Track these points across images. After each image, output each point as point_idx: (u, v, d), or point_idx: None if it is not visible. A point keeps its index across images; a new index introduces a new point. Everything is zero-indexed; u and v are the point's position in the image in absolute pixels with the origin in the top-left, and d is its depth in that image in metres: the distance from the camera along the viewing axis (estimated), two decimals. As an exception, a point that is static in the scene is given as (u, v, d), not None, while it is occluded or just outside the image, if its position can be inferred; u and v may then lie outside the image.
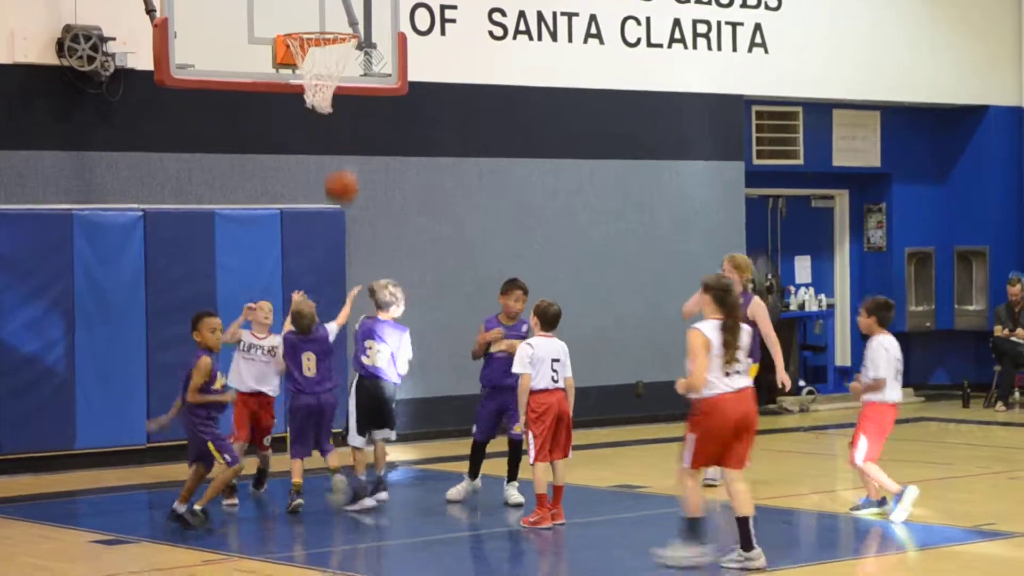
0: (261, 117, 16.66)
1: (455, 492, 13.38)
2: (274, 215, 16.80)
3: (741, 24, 19.97)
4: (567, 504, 12.31)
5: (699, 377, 10.34)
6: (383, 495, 13.14)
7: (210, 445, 12.15)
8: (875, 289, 21.20)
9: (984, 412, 20.24)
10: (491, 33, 18.34)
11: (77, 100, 15.85)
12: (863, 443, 12.47)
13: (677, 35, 19.56)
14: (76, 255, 15.72)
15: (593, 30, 18.99)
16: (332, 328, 13.24)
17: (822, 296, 21.63)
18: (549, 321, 12.27)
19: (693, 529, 10.52)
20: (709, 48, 19.77)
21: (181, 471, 12.98)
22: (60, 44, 15.60)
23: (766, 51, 20.16)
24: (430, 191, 17.95)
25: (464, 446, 16.62)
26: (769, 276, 20.80)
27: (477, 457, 13.36)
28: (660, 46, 19.45)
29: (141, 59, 15.41)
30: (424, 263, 17.80)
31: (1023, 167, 22.08)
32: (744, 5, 19.97)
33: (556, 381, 12.16)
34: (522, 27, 18.52)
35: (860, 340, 13.06)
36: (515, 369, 12.21)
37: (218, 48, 14.00)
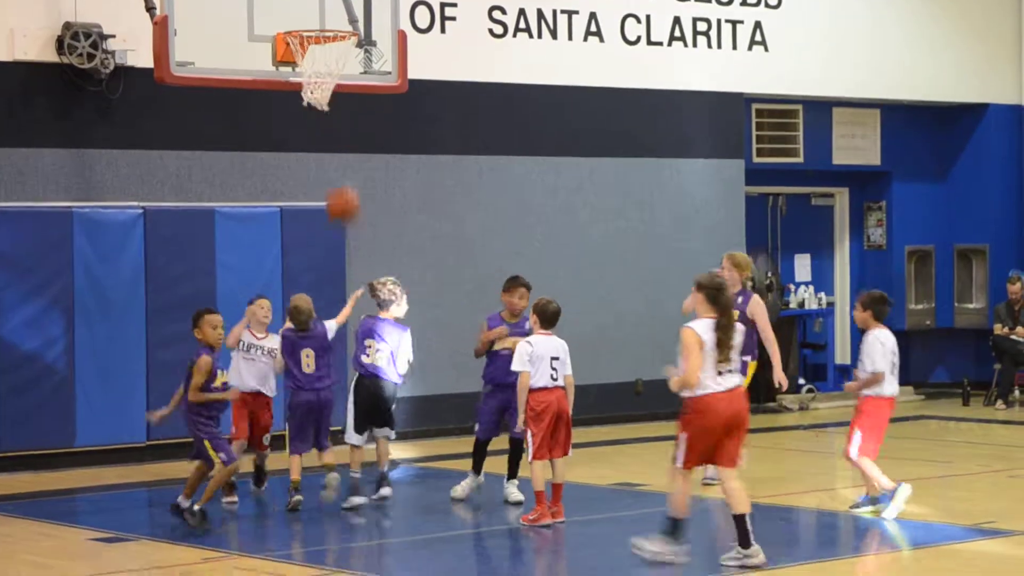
0: (261, 115, 16.66)
1: (460, 490, 13.36)
2: (274, 213, 16.80)
3: (741, 22, 19.97)
4: (567, 502, 12.31)
5: (693, 375, 10.36)
6: (386, 491, 13.10)
7: (206, 443, 12.14)
8: (875, 287, 21.21)
9: (984, 410, 20.24)
10: (491, 31, 18.34)
11: (77, 98, 15.85)
12: (857, 437, 12.48)
13: (677, 33, 19.56)
14: (76, 253, 15.72)
15: (593, 28, 18.99)
16: (331, 325, 13.24)
17: (822, 294, 21.63)
18: (548, 319, 12.27)
19: (675, 528, 10.55)
20: (709, 46, 19.76)
21: (181, 468, 13.00)
22: (60, 42, 15.60)
23: (766, 49, 20.16)
24: (430, 189, 17.95)
25: (464, 444, 16.63)
26: (769, 274, 20.80)
27: (480, 455, 13.34)
28: (660, 44, 19.45)
29: (141, 57, 15.41)
30: (424, 261, 17.80)
31: (1023, 165, 22.08)
32: (744, 3, 19.97)
33: (555, 379, 12.15)
34: (522, 25, 18.52)
35: (860, 338, 13.04)
36: (514, 367, 12.20)
37: (218, 46, 14.00)
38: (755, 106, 20.50)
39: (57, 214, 15.69)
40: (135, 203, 16.14)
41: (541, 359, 12.11)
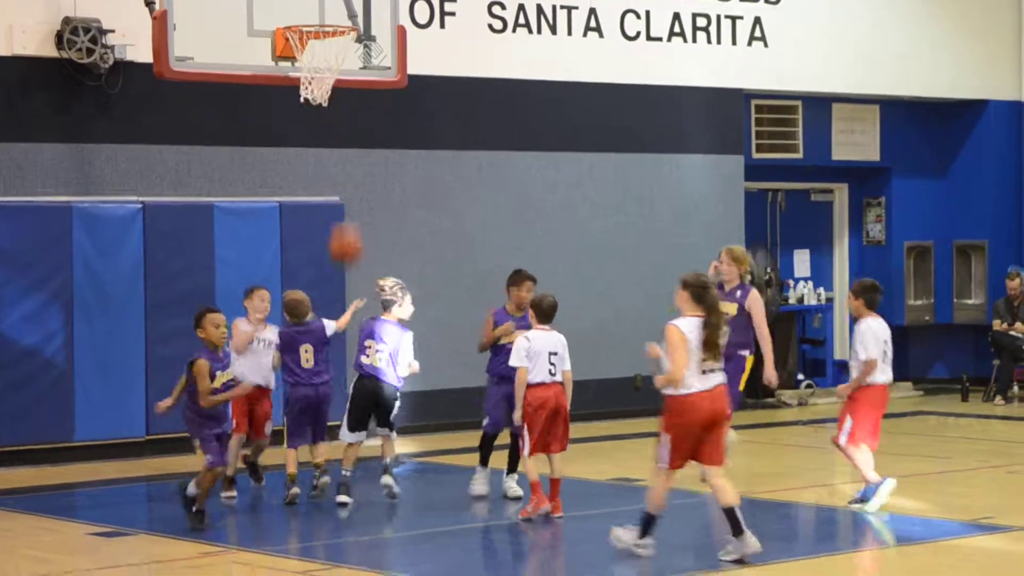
0: (260, 110, 16.65)
1: (479, 486, 13.23)
2: (273, 208, 16.80)
3: (741, 18, 19.97)
4: (565, 497, 12.32)
5: (678, 373, 10.40)
6: (387, 479, 12.99)
7: (196, 443, 12.10)
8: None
9: (983, 406, 20.25)
10: (490, 26, 18.33)
11: (76, 92, 15.85)
12: (848, 424, 12.49)
13: (677, 29, 19.55)
14: (75, 247, 15.72)
15: (592, 23, 18.99)
16: (330, 324, 13.22)
17: (821, 290, 21.63)
18: (544, 313, 12.27)
19: (647, 523, 10.61)
20: (709, 42, 19.76)
21: (180, 463, 13.00)
22: (59, 36, 15.59)
23: (766, 45, 20.15)
24: (429, 184, 17.95)
25: (463, 439, 16.65)
26: (768, 270, 20.80)
27: (487, 448, 13.26)
28: (660, 40, 19.44)
29: (140, 51, 15.40)
30: (423, 256, 17.79)
31: (1022, 162, 22.08)
32: (744, -1, 20.01)
33: (553, 375, 12.15)
34: (521, 20, 18.52)
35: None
36: (512, 362, 12.20)
37: (217, 40, 13.99)
38: (754, 102, 20.50)
39: (56, 209, 15.69)
40: (134, 198, 16.14)
41: (539, 354, 12.11)
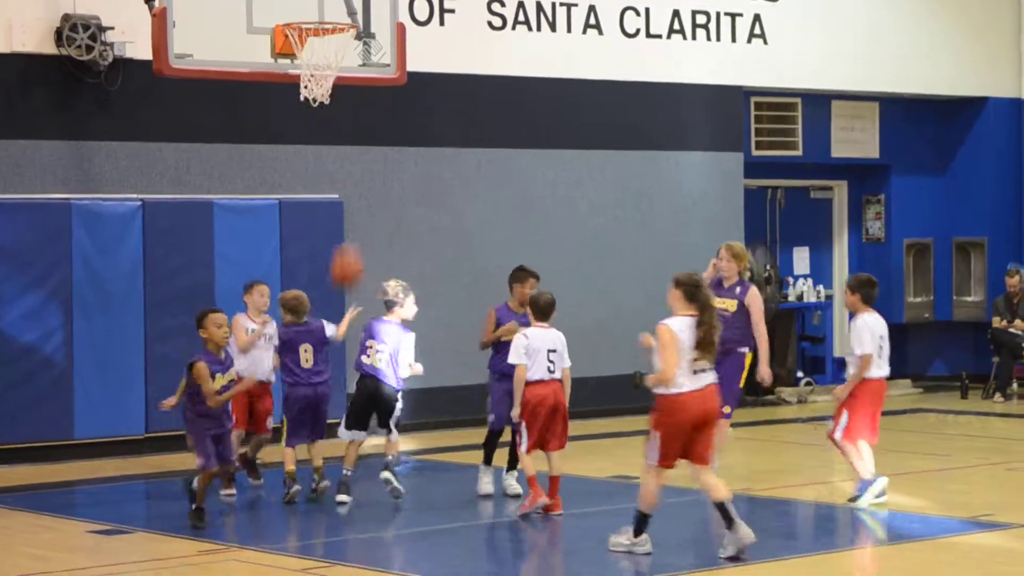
0: (259, 107, 16.64)
1: (486, 485, 13.22)
2: (272, 205, 16.80)
3: (740, 15, 19.96)
4: (565, 495, 12.32)
5: (669, 372, 10.42)
6: (385, 474, 12.94)
7: (190, 443, 12.07)
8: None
9: (982, 403, 20.25)
10: (490, 23, 18.33)
11: (75, 89, 15.84)
12: (844, 418, 12.49)
13: (676, 26, 19.54)
14: (75, 245, 15.71)
15: (592, 20, 18.98)
16: (330, 326, 13.20)
17: (820, 287, 21.63)
18: (541, 310, 12.26)
19: (641, 522, 10.62)
20: (708, 39, 19.76)
21: (180, 461, 13.00)
22: (59, 33, 15.58)
23: (765, 42, 20.15)
24: (429, 181, 17.95)
25: (462, 436, 16.66)
26: (768, 267, 20.79)
27: (492, 446, 13.23)
28: (659, 37, 19.44)
29: (140, 48, 15.39)
30: (422, 253, 17.79)
31: (1022, 159, 22.08)
32: (743, -4, 20.00)
33: (552, 372, 12.15)
34: (521, 17, 18.51)
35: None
36: (510, 360, 12.19)
37: (217, 38, 13.98)
38: (754, 99, 20.49)
39: (55, 206, 15.69)
40: (134, 195, 16.13)
41: (537, 352, 12.11)
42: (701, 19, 19.70)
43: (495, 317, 13.08)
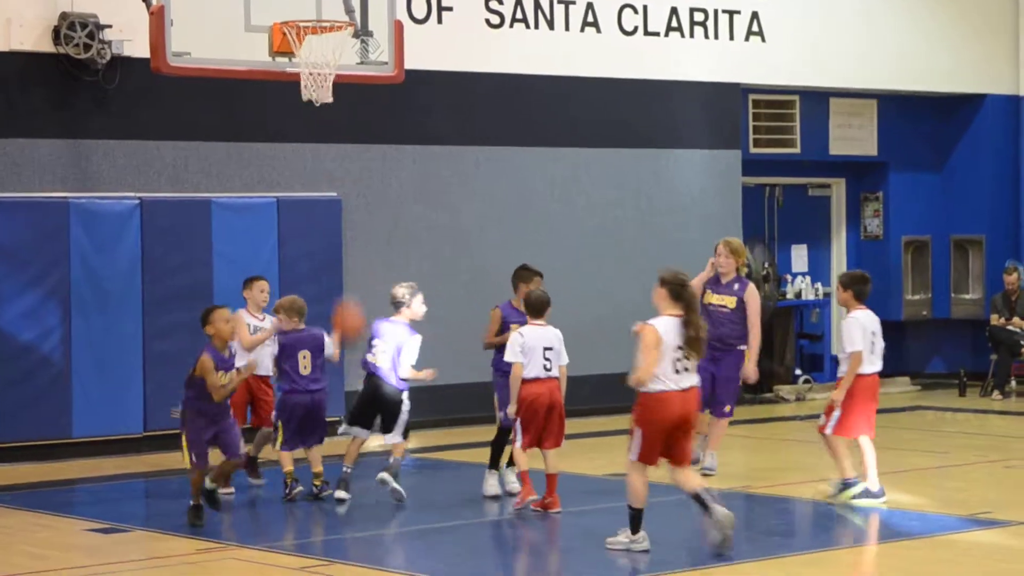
0: (257, 105, 16.64)
1: (493, 486, 13.18)
2: (270, 203, 16.79)
3: (738, 12, 19.96)
4: (563, 493, 12.32)
5: (646, 372, 10.45)
6: (383, 475, 12.90)
7: (183, 441, 12.04)
8: (872, 278, 21.22)
9: (980, 401, 20.25)
10: (488, 21, 18.32)
11: (73, 88, 15.83)
12: (836, 414, 12.49)
13: (674, 23, 19.54)
14: (73, 243, 15.71)
15: (590, 18, 18.97)
16: (328, 342, 13.16)
17: (818, 285, 21.62)
18: (533, 307, 12.27)
19: (635, 519, 10.64)
20: (706, 36, 19.76)
21: (178, 459, 12.93)
22: (56, 32, 15.58)
23: (763, 39, 20.14)
24: (426, 179, 17.94)
25: (459, 435, 16.69)
26: (766, 265, 20.79)
27: (500, 445, 13.13)
28: (657, 34, 19.43)
29: (137, 47, 15.39)
30: (420, 251, 17.79)
31: (1020, 156, 22.08)
32: (741, -7, 20.00)
33: (549, 370, 12.16)
34: (519, 15, 18.51)
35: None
36: (507, 358, 12.20)
37: (214, 36, 13.98)
38: (752, 96, 20.49)
39: (53, 205, 15.68)
40: (132, 194, 16.12)
41: (533, 350, 12.11)
42: (699, 17, 19.70)
43: (501, 316, 13.02)
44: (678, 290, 10.60)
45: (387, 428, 12.95)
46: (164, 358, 15.79)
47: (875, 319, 12.64)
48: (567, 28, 18.83)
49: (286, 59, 13.98)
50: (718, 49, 19.83)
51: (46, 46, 15.62)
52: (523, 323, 12.53)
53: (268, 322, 13.51)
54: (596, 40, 19.01)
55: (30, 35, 15.59)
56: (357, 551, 11.50)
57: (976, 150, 21.96)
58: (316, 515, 12.63)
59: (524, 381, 12.09)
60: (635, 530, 10.64)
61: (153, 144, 16.32)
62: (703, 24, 19.73)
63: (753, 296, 13.96)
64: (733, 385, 14.20)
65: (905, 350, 21.97)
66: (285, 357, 13.02)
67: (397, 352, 12.86)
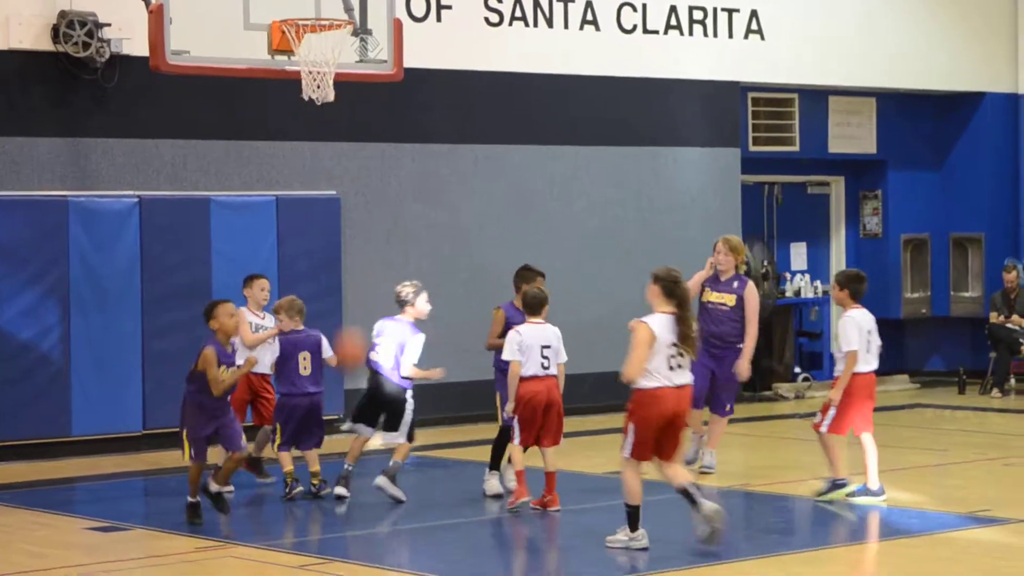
0: (256, 103, 16.64)
1: (493, 485, 13.16)
2: (269, 201, 16.79)
3: (737, 11, 19.96)
4: (562, 491, 12.33)
5: (633, 368, 10.48)
6: (379, 480, 12.90)
7: (183, 435, 12.03)
8: (871, 276, 21.21)
9: (980, 399, 20.26)
10: (487, 19, 18.32)
11: (72, 86, 15.83)
12: (831, 412, 12.50)
13: (673, 21, 19.54)
14: (72, 242, 15.70)
15: (589, 16, 18.97)
16: (326, 347, 13.17)
17: (818, 283, 21.62)
18: (530, 305, 12.28)
19: (633, 516, 10.66)
20: (705, 35, 19.75)
21: (177, 458, 12.93)
22: (55, 30, 15.57)
23: (762, 38, 20.14)
24: (425, 177, 17.94)
25: (458, 433, 16.69)
26: (765, 263, 20.79)
27: (503, 444, 13.13)
28: (656, 32, 19.43)
29: (136, 45, 15.39)
30: (419, 249, 17.79)
31: (1019, 154, 22.08)
32: (740, -9, 19.99)
33: (546, 368, 12.16)
34: (518, 13, 18.50)
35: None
36: (504, 356, 12.21)
37: (213, 34, 13.97)
38: (751, 95, 20.49)
39: (53, 203, 15.68)
40: (131, 192, 16.12)
41: (531, 348, 12.12)
42: (698, 15, 19.70)
43: (504, 317, 12.98)
44: (671, 287, 10.62)
45: (391, 427, 12.93)
46: (163, 356, 15.79)
47: (870, 318, 12.65)
48: (566, 26, 18.82)
49: (285, 57, 13.97)
50: (717, 47, 19.82)
51: (45, 44, 15.62)
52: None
53: (269, 320, 13.51)
54: (595, 38, 19.01)
55: (29, 33, 15.59)
56: (356, 549, 11.50)
57: (975, 148, 21.95)
58: (315, 514, 12.64)
59: (522, 379, 12.10)
60: (633, 527, 10.65)
61: (152, 142, 16.32)
62: (702, 22, 19.72)
63: (752, 294, 13.96)
64: (733, 383, 14.20)
65: (904, 348, 21.97)
66: (285, 359, 13.01)
67: (400, 350, 12.84)
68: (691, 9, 19.62)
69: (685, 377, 10.62)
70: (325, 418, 13.42)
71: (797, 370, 20.91)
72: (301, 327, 13.12)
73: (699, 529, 10.61)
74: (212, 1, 14.19)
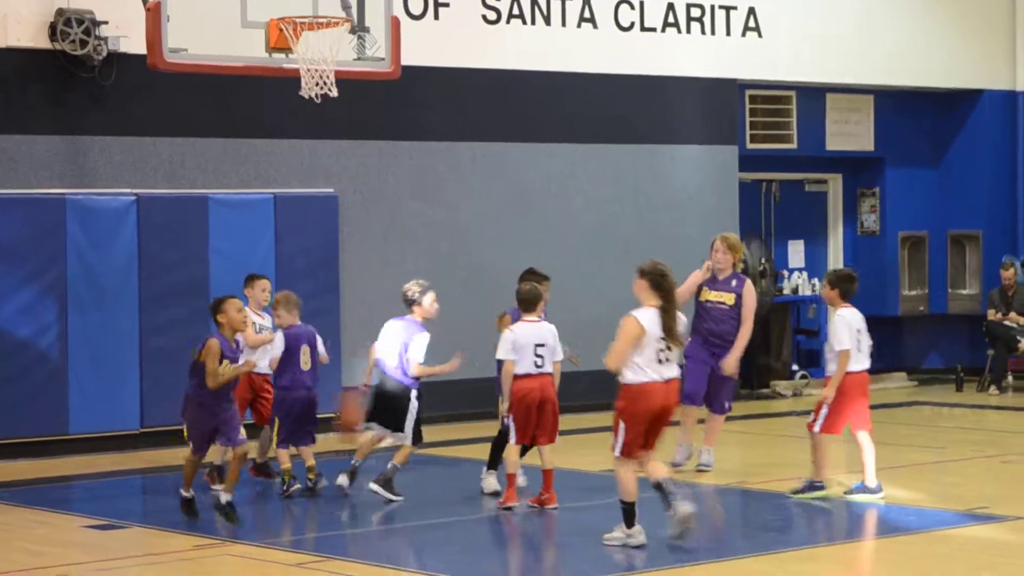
0: (254, 101, 16.63)
1: (491, 483, 13.16)
2: (267, 199, 16.79)
3: (735, 8, 19.96)
4: (559, 489, 12.33)
5: (615, 358, 10.53)
6: (373, 485, 12.86)
7: (184, 428, 12.02)
8: (868, 274, 21.25)
9: (977, 396, 20.27)
10: (484, 17, 18.32)
11: (70, 84, 15.82)
12: (824, 412, 12.51)
13: (671, 19, 19.54)
14: (69, 240, 15.70)
15: (587, 14, 18.97)
16: (320, 344, 13.18)
17: (815, 280, 21.62)
18: (525, 302, 12.29)
19: (629, 513, 10.67)
20: (703, 32, 19.75)
21: (175, 456, 13.00)
22: (53, 28, 15.57)
23: (760, 35, 20.14)
24: (423, 175, 17.94)
25: (456, 431, 16.68)
26: (763, 260, 20.80)
27: (501, 445, 13.13)
28: (654, 30, 19.43)
29: (134, 43, 15.38)
30: (417, 247, 17.78)
31: (1016, 151, 22.09)
32: (738, -11, 19.99)
33: (540, 366, 12.16)
34: (515, 11, 18.50)
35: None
36: (498, 355, 12.22)
37: (211, 32, 13.96)
38: (748, 92, 20.50)
39: (50, 201, 15.67)
40: (128, 190, 16.12)
41: (524, 347, 12.13)
42: (696, 12, 19.70)
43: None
44: (658, 280, 10.65)
45: (397, 426, 12.91)
46: (160, 354, 15.79)
47: (860, 317, 12.67)
48: (563, 24, 18.82)
49: (283, 55, 13.95)
50: (715, 45, 19.83)
51: (42, 42, 15.62)
52: None
53: (270, 321, 13.49)
54: (592, 36, 19.00)
55: (26, 31, 15.58)
56: (354, 547, 11.51)
57: (973, 145, 21.96)
58: (313, 511, 12.63)
59: (515, 377, 12.12)
60: (630, 524, 10.66)
61: (150, 140, 16.31)
62: (700, 20, 19.72)
63: (750, 293, 13.96)
64: (731, 381, 14.21)
65: (902, 345, 21.98)
66: (290, 353, 13.01)
67: (404, 349, 12.83)
68: (688, 6, 19.63)
69: (673, 371, 10.65)
70: (322, 416, 13.39)
71: (794, 368, 20.92)
72: (298, 321, 13.13)
73: (670, 528, 10.63)
74: (209, -1, 14.21)
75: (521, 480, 12.98)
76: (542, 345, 12.17)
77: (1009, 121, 22.05)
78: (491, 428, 13.43)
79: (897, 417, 18.10)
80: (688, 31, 19.64)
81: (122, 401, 15.87)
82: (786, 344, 20.98)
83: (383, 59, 14.45)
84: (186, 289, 15.96)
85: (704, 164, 19.80)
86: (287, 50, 13.86)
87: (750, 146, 20.55)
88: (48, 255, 15.62)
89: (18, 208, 15.53)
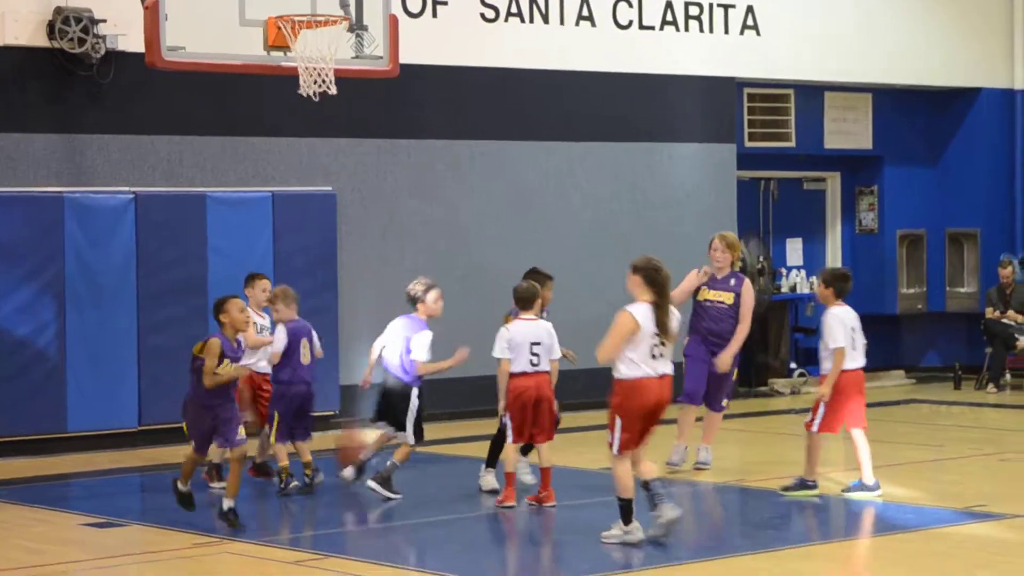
0: (252, 99, 16.63)
1: (489, 481, 13.16)
2: (265, 197, 16.78)
3: (733, 6, 19.96)
4: (557, 487, 12.33)
5: (606, 350, 10.54)
6: (371, 483, 12.87)
7: (184, 427, 12.00)
8: (866, 272, 21.27)
9: (975, 394, 20.27)
10: (483, 15, 18.32)
11: (68, 82, 15.82)
12: (821, 411, 12.52)
13: (669, 17, 19.54)
14: (67, 238, 15.70)
15: (585, 12, 18.97)
16: (316, 339, 13.19)
17: (813, 279, 21.61)
18: (521, 299, 12.29)
19: (626, 510, 10.69)
20: (701, 30, 19.76)
21: (173, 453, 13.00)
22: (51, 26, 15.57)
23: (758, 33, 20.15)
24: (422, 174, 17.94)
25: (455, 429, 16.67)
26: (761, 259, 20.80)
27: (500, 444, 13.12)
28: (652, 28, 19.43)
29: (132, 41, 15.38)
30: (416, 246, 17.78)
31: (1014, 149, 22.09)
32: (736, -13, 20.00)
33: (536, 365, 12.16)
34: (514, 9, 18.50)
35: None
36: (493, 354, 12.22)
37: (209, 30, 13.95)
38: (747, 90, 20.50)
39: (48, 199, 15.67)
40: (126, 188, 16.12)
41: (520, 346, 12.13)
42: (694, 11, 19.70)
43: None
44: (652, 275, 10.66)
45: (399, 424, 12.91)
46: (158, 352, 15.78)
47: (854, 315, 12.69)
48: (562, 22, 18.82)
49: (281, 54, 13.94)
50: (713, 43, 19.83)
51: (40, 41, 15.62)
52: None
53: (269, 320, 13.48)
54: (591, 34, 19.01)
55: (24, 30, 15.58)
56: (352, 545, 11.51)
57: (971, 144, 21.97)
58: (311, 509, 12.63)
59: (511, 375, 12.12)
60: (627, 521, 10.67)
61: (148, 139, 16.31)
62: (698, 18, 19.73)
63: (748, 292, 13.96)
64: (729, 379, 14.21)
65: (900, 344, 21.99)
66: (289, 348, 13.01)
67: (406, 347, 12.83)
68: (687, 5, 19.63)
69: (667, 367, 10.65)
70: (321, 414, 13.39)
71: (793, 366, 20.93)
72: (296, 316, 13.12)
73: (653, 528, 10.63)
74: (208, -3, 14.20)
75: (529, 478, 12.99)
76: (538, 343, 12.17)
77: (1007, 119, 22.05)
78: (490, 426, 13.42)
79: (895, 415, 18.11)
80: (686, 29, 19.65)
81: (120, 399, 15.87)
82: (784, 342, 20.99)
83: (381, 57, 14.45)
84: (184, 287, 15.97)
85: (702, 162, 19.81)
86: (285, 48, 13.85)
87: (748, 144, 20.56)
88: (46, 253, 15.62)
89: (16, 206, 15.53)
